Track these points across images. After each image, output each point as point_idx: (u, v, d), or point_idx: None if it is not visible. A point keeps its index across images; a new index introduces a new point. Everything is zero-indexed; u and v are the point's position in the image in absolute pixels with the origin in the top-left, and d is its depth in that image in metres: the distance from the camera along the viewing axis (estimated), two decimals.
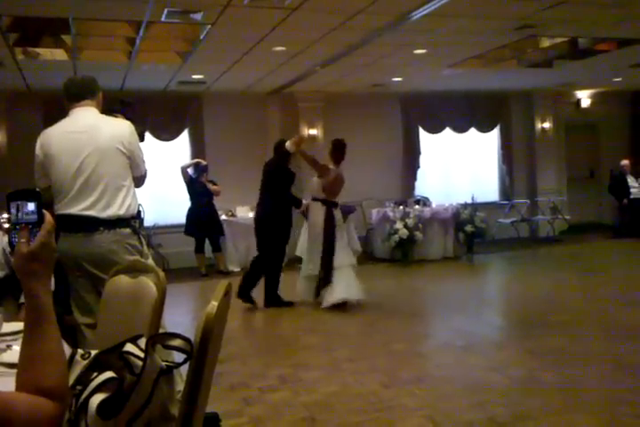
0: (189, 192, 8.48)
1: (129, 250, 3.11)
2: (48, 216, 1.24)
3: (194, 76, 8.15)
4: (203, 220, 8.35)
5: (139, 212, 3.26)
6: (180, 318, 5.68)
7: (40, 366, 1.18)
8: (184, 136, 9.61)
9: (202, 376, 1.66)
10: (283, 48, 6.68)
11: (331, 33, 6.09)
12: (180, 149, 9.54)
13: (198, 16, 5.37)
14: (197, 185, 8.38)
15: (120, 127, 3.22)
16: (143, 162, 3.27)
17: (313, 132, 10.09)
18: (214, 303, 1.63)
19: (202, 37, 6.07)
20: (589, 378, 3.86)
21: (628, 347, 4.42)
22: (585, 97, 12.00)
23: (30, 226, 1.21)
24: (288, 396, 3.75)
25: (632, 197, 10.56)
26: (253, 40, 6.28)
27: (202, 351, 1.61)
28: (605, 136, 12.10)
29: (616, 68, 9.25)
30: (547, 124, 11.57)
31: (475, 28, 6.24)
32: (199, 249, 8.56)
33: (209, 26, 5.68)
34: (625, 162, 10.78)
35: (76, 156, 3.10)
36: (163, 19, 5.37)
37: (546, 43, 7.56)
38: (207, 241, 8.57)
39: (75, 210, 3.10)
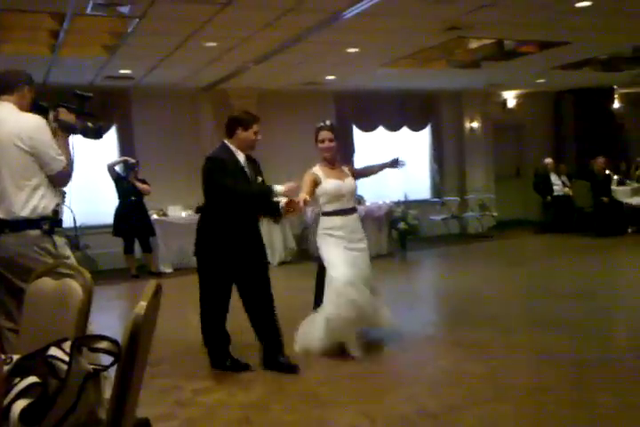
0: (117, 191, 8.24)
1: (39, 253, 2.97)
2: None
3: (121, 71, 7.92)
4: (132, 220, 8.14)
5: (56, 211, 3.07)
6: (110, 320, 5.52)
7: None
8: (112, 133, 9.32)
9: (130, 379, 1.62)
10: (214, 44, 6.59)
11: (263, 30, 6.06)
12: (107, 146, 9.25)
13: (126, 9, 5.22)
14: (126, 184, 8.16)
15: (24, 122, 3.03)
16: (54, 159, 3.04)
17: None
18: (142, 304, 1.59)
19: (129, 31, 5.91)
20: (514, 368, 4.00)
21: (551, 337, 4.60)
22: (511, 97, 12.44)
23: None
24: (223, 397, 3.70)
25: (555, 194, 11.02)
26: (184, 35, 6.16)
27: (130, 353, 1.57)
28: (530, 135, 12.58)
29: (539, 70, 9.63)
30: (475, 124, 11.92)
31: (405, 28, 6.35)
32: (129, 250, 8.34)
33: (137, 19, 5.53)
34: (548, 160, 11.23)
35: None
36: (88, 11, 5.20)
37: (473, 44, 7.78)
38: (137, 241, 8.38)
39: None
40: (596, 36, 7.27)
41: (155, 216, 8.80)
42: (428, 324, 5.40)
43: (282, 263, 8.90)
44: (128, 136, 9.32)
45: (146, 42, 6.38)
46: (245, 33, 6.21)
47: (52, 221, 3.04)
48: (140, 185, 8.18)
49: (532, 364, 4.09)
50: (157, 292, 1.73)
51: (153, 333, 1.78)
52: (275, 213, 4.15)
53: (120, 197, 8.25)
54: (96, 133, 3.35)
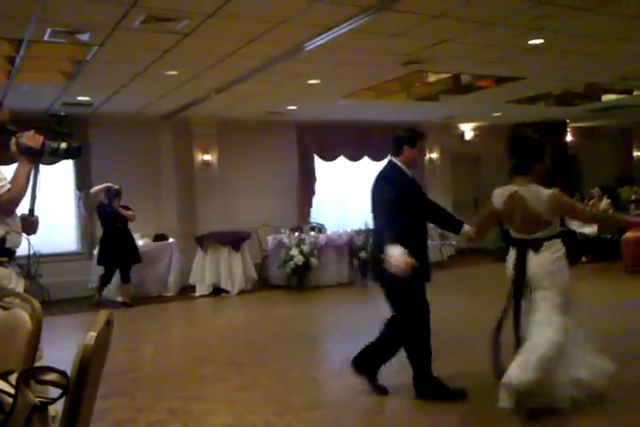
0: (101, 219, 8.13)
1: None
2: None
3: (79, 98, 7.84)
4: (119, 247, 7.95)
5: (3, 240, 2.93)
6: (63, 352, 5.32)
7: None
8: (67, 160, 9.15)
9: (79, 412, 1.56)
10: (175, 72, 6.60)
11: (224, 59, 6.10)
12: (63, 173, 9.07)
13: (85, 37, 5.19)
14: (109, 211, 8.01)
15: None
16: None
17: (207, 157, 10.00)
18: (92, 334, 1.54)
19: (88, 58, 5.87)
20: (483, 399, 3.99)
21: None
22: (468, 130, 12.75)
23: None
24: None
25: None
26: (144, 63, 6.15)
27: (79, 385, 1.51)
28: (487, 167, 12.86)
29: (495, 104, 9.92)
30: (434, 155, 12.15)
31: (365, 61, 6.48)
32: (106, 279, 8.10)
33: (96, 47, 5.50)
34: None
35: None
36: (46, 38, 5.15)
37: (432, 78, 7.98)
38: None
39: None
40: (549, 72, 7.56)
41: None
42: None
43: (241, 292, 8.80)
44: (85, 163, 9.14)
45: (105, 69, 6.35)
46: (206, 62, 6.24)
47: None
48: (124, 211, 8.06)
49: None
50: (109, 321, 1.68)
51: (104, 364, 1.72)
52: None
53: (103, 225, 8.14)
54: (75, 153, 3.25)
